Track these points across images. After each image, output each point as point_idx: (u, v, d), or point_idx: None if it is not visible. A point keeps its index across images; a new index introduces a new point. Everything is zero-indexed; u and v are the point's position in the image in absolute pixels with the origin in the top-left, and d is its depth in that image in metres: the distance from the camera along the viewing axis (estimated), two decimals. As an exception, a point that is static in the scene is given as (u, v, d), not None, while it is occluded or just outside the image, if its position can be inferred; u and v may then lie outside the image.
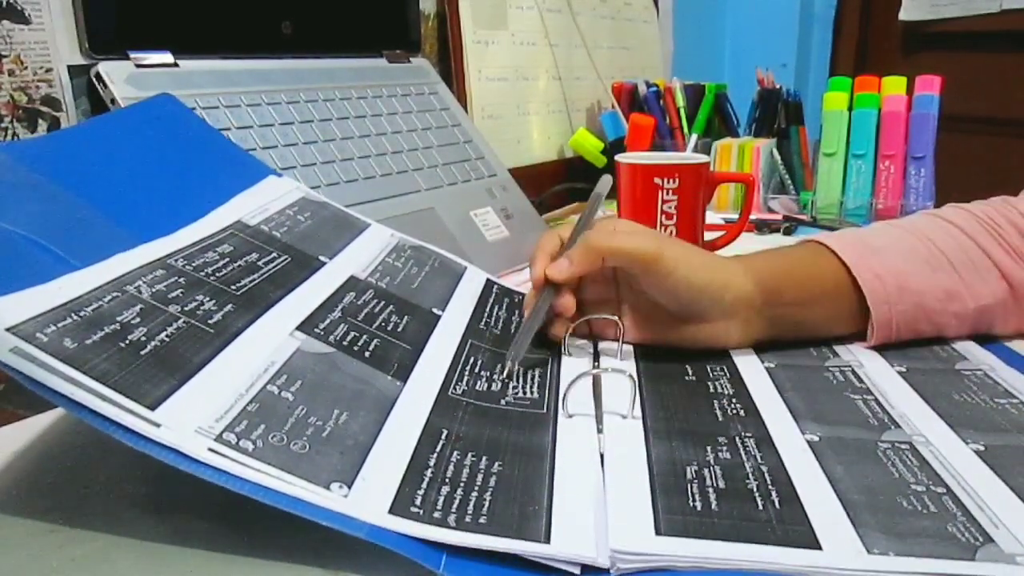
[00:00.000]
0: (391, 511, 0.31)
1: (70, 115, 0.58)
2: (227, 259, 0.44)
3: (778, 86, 1.07)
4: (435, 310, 0.50)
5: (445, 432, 0.37)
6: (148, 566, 0.33)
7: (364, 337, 0.43)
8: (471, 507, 0.32)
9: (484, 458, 0.36)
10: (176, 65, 0.62)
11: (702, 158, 0.74)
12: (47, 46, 0.56)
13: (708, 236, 0.75)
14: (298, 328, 0.41)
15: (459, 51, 0.92)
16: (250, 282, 0.43)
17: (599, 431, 0.39)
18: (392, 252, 0.56)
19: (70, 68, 0.58)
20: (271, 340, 0.39)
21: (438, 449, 0.36)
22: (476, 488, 0.33)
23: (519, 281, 0.71)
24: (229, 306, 0.40)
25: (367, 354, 0.41)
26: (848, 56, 1.69)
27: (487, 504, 0.32)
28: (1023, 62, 1.49)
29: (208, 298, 0.39)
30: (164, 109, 0.53)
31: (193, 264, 0.42)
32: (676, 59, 1.39)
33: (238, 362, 0.36)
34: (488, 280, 0.59)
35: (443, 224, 0.72)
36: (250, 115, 0.64)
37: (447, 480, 0.34)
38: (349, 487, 0.31)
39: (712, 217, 0.91)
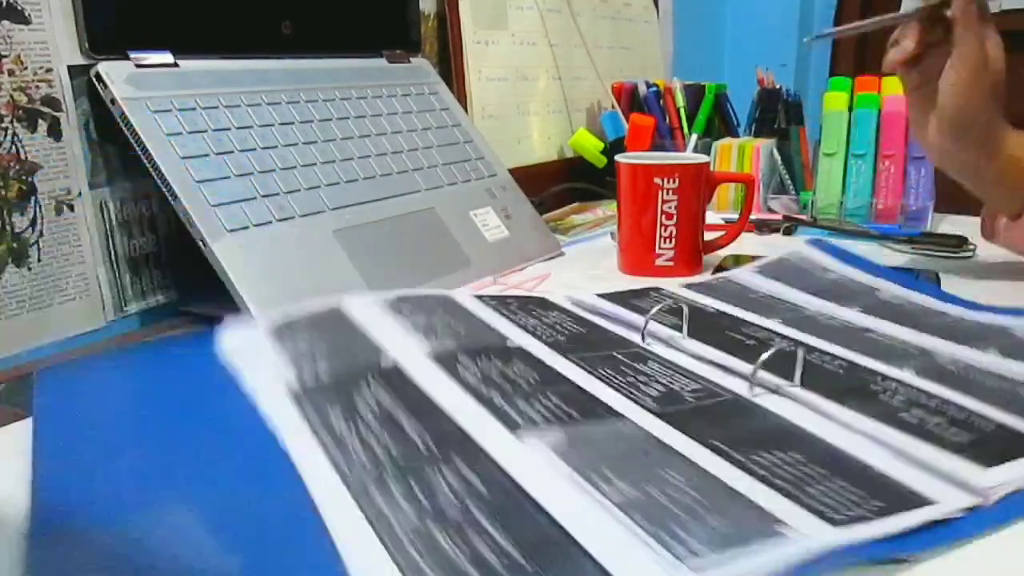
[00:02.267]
0: (834, 525, 0.31)
1: (70, 115, 0.58)
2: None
3: (778, 86, 1.07)
4: (509, 343, 0.51)
5: (723, 442, 0.38)
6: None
7: (552, 397, 0.43)
8: (841, 498, 0.33)
9: (778, 452, 0.37)
10: (176, 65, 0.62)
11: (702, 158, 0.75)
12: (47, 46, 0.56)
13: (708, 236, 0.75)
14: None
15: (459, 51, 0.92)
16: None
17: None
18: (412, 312, 0.54)
19: (70, 68, 0.58)
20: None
21: (752, 458, 0.36)
22: (825, 480, 0.35)
23: (519, 281, 0.71)
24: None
25: (586, 411, 0.42)
26: (848, 56, 1.69)
27: (844, 490, 0.34)
28: (1023, 62, 1.48)
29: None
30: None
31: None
32: (676, 59, 1.39)
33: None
34: (473, 296, 0.60)
35: (443, 224, 0.72)
36: (250, 115, 0.64)
37: (802, 482, 0.34)
38: (786, 524, 0.31)
39: (712, 217, 0.91)
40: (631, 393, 0.44)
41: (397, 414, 0.40)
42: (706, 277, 0.70)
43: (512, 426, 0.39)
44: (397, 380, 0.44)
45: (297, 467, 0.36)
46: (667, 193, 0.70)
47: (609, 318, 0.57)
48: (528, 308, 0.58)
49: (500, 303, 0.58)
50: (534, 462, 0.36)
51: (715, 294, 0.63)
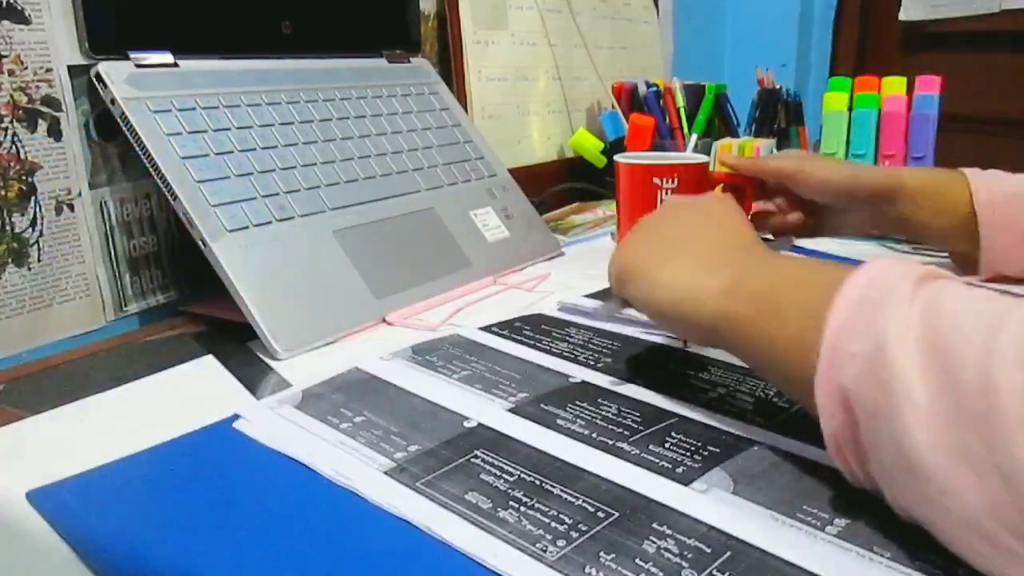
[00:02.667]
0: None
1: (70, 115, 0.58)
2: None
3: (778, 86, 1.07)
4: (572, 380, 0.49)
5: None
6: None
7: (674, 435, 0.42)
8: None
9: None
10: (176, 65, 0.62)
11: (701, 158, 0.74)
12: (47, 46, 0.56)
13: None
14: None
15: (459, 51, 0.92)
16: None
17: None
18: (443, 363, 0.51)
19: (70, 68, 0.58)
20: None
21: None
22: None
23: (519, 281, 0.71)
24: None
25: (718, 441, 0.41)
26: (848, 56, 1.68)
27: None
28: (1023, 62, 1.48)
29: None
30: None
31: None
32: (676, 59, 1.39)
33: None
34: (479, 330, 0.58)
35: (443, 224, 0.72)
36: (250, 115, 0.64)
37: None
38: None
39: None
40: (730, 409, 0.44)
41: (541, 483, 0.37)
42: None
43: (683, 480, 0.37)
44: (505, 445, 0.40)
45: (464, 551, 0.32)
46: (666, 193, 0.69)
47: (629, 323, 0.57)
48: (543, 330, 0.57)
49: (512, 331, 0.57)
50: (731, 508, 0.35)
51: None
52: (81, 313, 0.60)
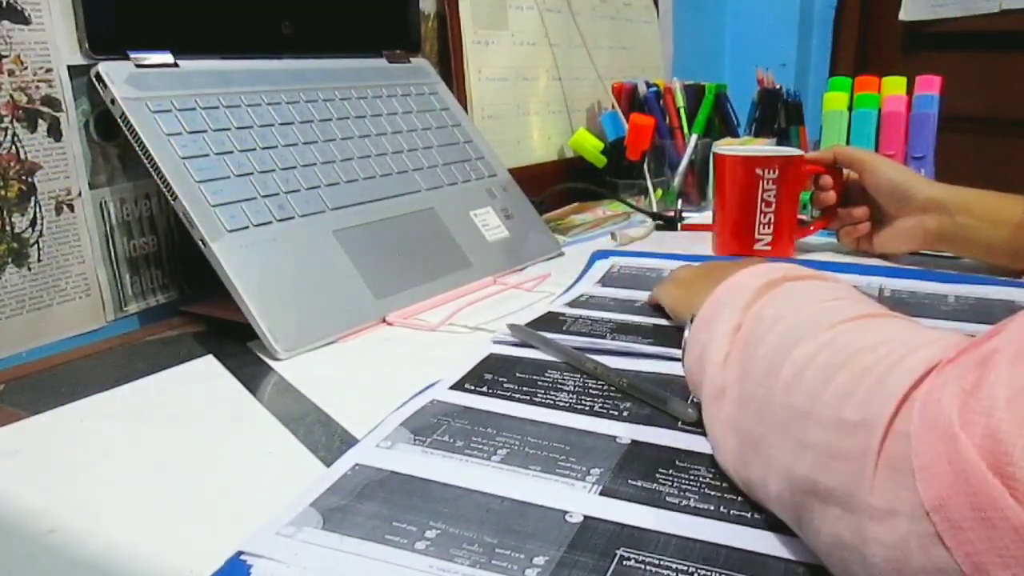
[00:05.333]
0: None
1: (70, 115, 0.58)
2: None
3: (778, 86, 1.07)
4: (620, 440, 0.43)
5: None
6: (148, 566, 0.33)
7: None
8: None
9: None
10: (176, 65, 0.62)
11: (796, 151, 0.80)
12: (47, 46, 0.56)
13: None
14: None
15: (459, 51, 0.92)
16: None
17: None
18: (457, 439, 0.43)
19: (70, 68, 0.58)
20: None
21: None
22: None
23: (519, 281, 0.71)
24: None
25: None
26: (848, 56, 1.68)
27: None
28: (1023, 62, 1.48)
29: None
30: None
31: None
32: (676, 59, 1.39)
33: None
34: (450, 390, 0.50)
35: (443, 224, 0.72)
36: (250, 115, 0.64)
37: None
38: None
39: (712, 217, 0.91)
40: None
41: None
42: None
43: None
44: (642, 538, 0.34)
45: None
46: (767, 183, 0.75)
47: (608, 352, 0.53)
48: (520, 379, 0.50)
49: (491, 386, 0.50)
50: None
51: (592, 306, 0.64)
52: (81, 313, 0.60)
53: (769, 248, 0.77)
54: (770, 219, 0.76)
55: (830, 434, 0.29)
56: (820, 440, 0.29)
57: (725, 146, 0.84)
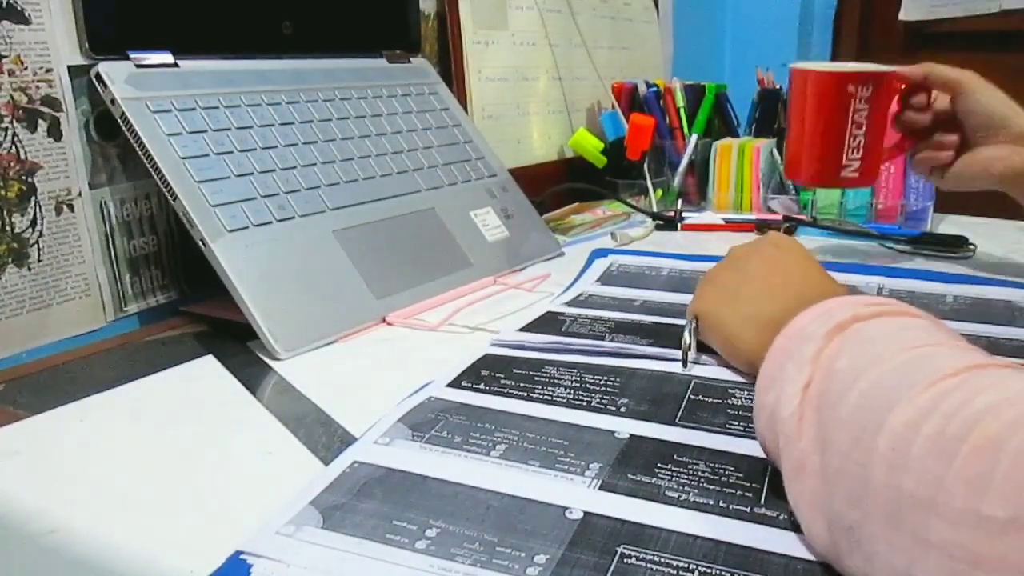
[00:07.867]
0: None
1: (70, 115, 0.58)
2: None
3: (778, 86, 1.07)
4: (618, 435, 0.44)
5: None
6: (148, 566, 0.33)
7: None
8: None
9: None
10: (176, 65, 0.62)
11: (886, 67, 0.71)
12: (47, 46, 0.56)
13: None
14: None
15: (459, 51, 0.92)
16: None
17: None
18: (458, 436, 0.43)
19: (70, 68, 0.58)
20: None
21: None
22: None
23: (519, 281, 0.71)
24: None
25: None
26: (848, 56, 1.68)
27: None
28: (1023, 62, 1.48)
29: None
30: None
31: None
32: (676, 59, 1.39)
33: None
34: (447, 387, 0.50)
35: (443, 224, 0.72)
36: (250, 115, 0.64)
37: None
38: None
39: (712, 217, 0.92)
40: None
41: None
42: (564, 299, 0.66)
43: None
44: (644, 535, 0.34)
45: None
46: (859, 102, 0.68)
47: (598, 353, 0.53)
48: (518, 375, 0.50)
49: (488, 383, 0.49)
50: None
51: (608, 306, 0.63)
52: (81, 313, 0.60)
53: (856, 175, 0.71)
54: (860, 143, 0.69)
55: (966, 534, 0.23)
56: (951, 540, 0.24)
57: (809, 63, 0.73)
